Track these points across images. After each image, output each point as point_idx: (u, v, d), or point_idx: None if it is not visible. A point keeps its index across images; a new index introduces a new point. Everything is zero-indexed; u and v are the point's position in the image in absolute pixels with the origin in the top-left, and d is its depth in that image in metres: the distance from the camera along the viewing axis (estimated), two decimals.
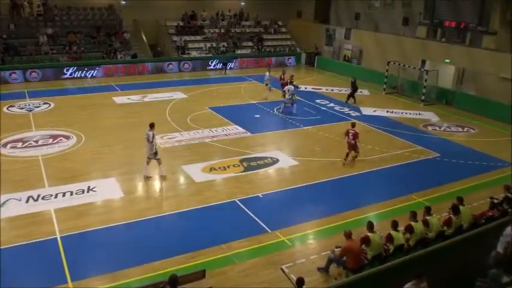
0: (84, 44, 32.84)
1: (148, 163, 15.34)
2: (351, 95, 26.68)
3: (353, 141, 17.00)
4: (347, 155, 17.18)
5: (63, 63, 30.86)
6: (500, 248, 9.58)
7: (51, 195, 13.88)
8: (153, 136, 15.22)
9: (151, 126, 15.30)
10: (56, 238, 11.64)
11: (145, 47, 35.19)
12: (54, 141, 18.50)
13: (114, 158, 17.22)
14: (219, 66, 35.44)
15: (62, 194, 13.98)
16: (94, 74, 31.08)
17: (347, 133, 17.16)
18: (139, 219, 12.76)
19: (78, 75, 30.63)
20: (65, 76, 30.36)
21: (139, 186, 15.06)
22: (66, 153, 17.48)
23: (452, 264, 8.90)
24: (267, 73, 27.16)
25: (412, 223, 10.77)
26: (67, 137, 19.01)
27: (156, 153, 15.36)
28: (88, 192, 14.24)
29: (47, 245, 11.33)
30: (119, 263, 10.62)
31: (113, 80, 30.49)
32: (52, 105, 23.89)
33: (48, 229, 12.03)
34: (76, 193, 14.10)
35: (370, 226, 10.32)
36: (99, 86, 28.74)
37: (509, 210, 12.14)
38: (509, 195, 12.63)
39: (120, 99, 25.63)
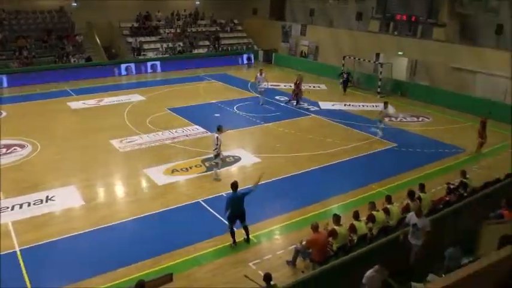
0: (35, 49, 31.83)
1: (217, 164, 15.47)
2: (345, 86, 28.49)
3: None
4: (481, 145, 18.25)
5: (14, 69, 29.80)
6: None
7: (8, 208, 13.38)
8: (218, 139, 15.12)
9: (219, 129, 15.32)
10: (15, 252, 11.26)
11: (99, 49, 34.47)
12: (8, 151, 17.83)
13: (71, 165, 16.79)
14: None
15: (19, 206, 13.51)
16: (48, 80, 29.99)
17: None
18: (101, 227, 12.50)
19: (31, 82, 29.54)
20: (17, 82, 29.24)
21: (100, 192, 14.76)
22: (22, 162, 16.92)
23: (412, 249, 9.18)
24: (259, 74, 25.31)
25: (374, 212, 11.05)
26: (22, 146, 18.39)
27: (217, 156, 15.29)
28: (47, 202, 13.83)
29: (5, 260, 10.89)
30: (83, 273, 10.38)
31: (67, 84, 29.67)
32: (4, 113, 23.04)
33: (6, 243, 11.58)
34: (34, 204, 13.67)
35: (337, 219, 10.48)
36: (52, 92, 27.87)
37: (465, 194, 12.62)
38: (465, 180, 13.11)
39: (75, 104, 25.00)
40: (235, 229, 11.59)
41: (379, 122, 20.03)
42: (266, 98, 25.40)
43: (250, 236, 11.86)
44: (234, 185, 11.73)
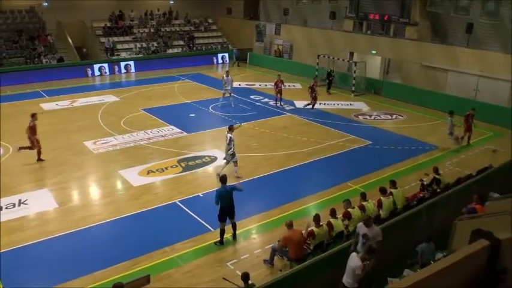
0: (5, 50, 31.14)
1: (226, 164, 15.45)
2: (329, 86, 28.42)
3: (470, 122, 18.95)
4: (468, 138, 19.25)
5: None
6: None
7: None
8: (231, 139, 15.16)
9: (230, 128, 15.50)
10: None
11: (72, 49, 33.91)
12: None
13: (44, 167, 16.47)
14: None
15: None
16: (19, 81, 29.23)
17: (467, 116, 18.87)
18: (77, 229, 12.31)
19: (2, 84, 28.81)
20: None
21: (74, 195, 14.54)
22: None
23: (388, 246, 9.30)
24: (225, 76, 24.63)
25: (349, 209, 11.17)
26: None
27: (233, 155, 15.34)
28: (19, 205, 13.54)
29: None
30: (59, 277, 10.20)
31: (39, 85, 29.07)
32: None
33: None
34: (6, 208, 13.36)
35: (317, 220, 10.52)
36: (24, 93, 27.28)
37: (438, 190, 12.88)
38: (437, 176, 13.38)
39: (48, 105, 24.54)
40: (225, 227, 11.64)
41: None
42: (242, 98, 25.35)
43: (231, 235, 11.90)
44: (224, 179, 11.80)
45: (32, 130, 16.52)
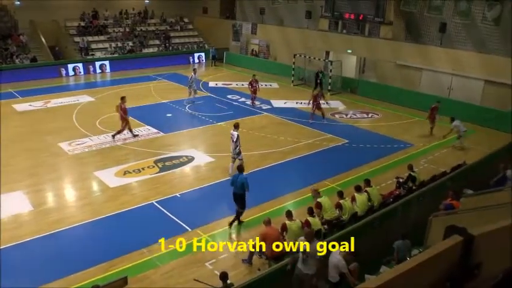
0: None
1: (233, 162, 15.44)
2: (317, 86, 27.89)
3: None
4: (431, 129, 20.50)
5: None
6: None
7: None
8: (238, 137, 15.35)
9: (236, 126, 15.70)
10: None
11: (45, 49, 33.29)
12: None
13: (17, 169, 16.10)
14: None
15: None
16: None
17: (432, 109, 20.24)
18: (52, 232, 12.11)
19: None
20: None
21: (49, 197, 14.30)
22: None
23: (365, 243, 9.41)
24: (193, 74, 25.01)
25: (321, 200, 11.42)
26: None
27: (239, 153, 15.47)
28: None
29: None
30: (34, 281, 10.02)
31: (12, 86, 28.42)
32: None
33: None
34: None
35: (289, 214, 10.61)
36: None
37: (414, 187, 13.09)
38: (412, 173, 13.60)
39: (21, 106, 24.03)
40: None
41: None
42: (219, 97, 25.26)
43: (206, 236, 11.86)
44: (241, 168, 12.61)
45: (124, 111, 18.70)
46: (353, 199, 11.80)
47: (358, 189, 12.04)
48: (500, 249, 3.31)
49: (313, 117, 22.06)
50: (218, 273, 8.90)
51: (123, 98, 18.85)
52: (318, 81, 28.05)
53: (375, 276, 7.85)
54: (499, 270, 3.23)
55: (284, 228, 10.42)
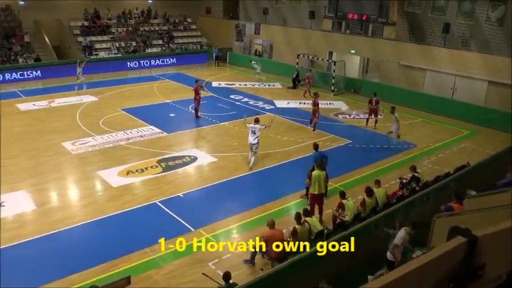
0: None
1: (254, 155, 16.30)
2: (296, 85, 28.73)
3: (375, 107, 20.86)
4: (367, 120, 21.15)
5: None
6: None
7: None
8: (259, 130, 16.13)
9: (256, 121, 16.39)
10: None
11: (49, 49, 33.38)
12: None
13: (21, 169, 16.15)
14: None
15: None
16: None
17: (370, 101, 20.96)
18: (55, 231, 12.13)
19: None
20: None
21: (52, 196, 14.32)
22: None
23: (368, 244, 9.40)
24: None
25: None
26: None
27: (257, 147, 16.24)
28: None
29: None
30: (36, 280, 10.01)
31: (16, 85, 28.51)
32: None
33: None
34: None
35: (298, 218, 10.54)
36: (0, 93, 26.74)
37: (417, 188, 13.05)
38: (415, 174, 13.56)
39: (25, 105, 24.10)
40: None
41: None
42: (222, 97, 25.23)
43: (209, 236, 11.83)
44: (315, 145, 14.80)
45: (197, 92, 21.65)
46: (363, 204, 11.74)
47: (370, 194, 11.93)
48: (504, 250, 3.29)
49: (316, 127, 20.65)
50: (221, 273, 8.90)
51: (197, 81, 22.38)
52: (296, 81, 28.82)
53: (372, 277, 7.88)
54: (502, 272, 3.22)
55: (294, 232, 10.35)
